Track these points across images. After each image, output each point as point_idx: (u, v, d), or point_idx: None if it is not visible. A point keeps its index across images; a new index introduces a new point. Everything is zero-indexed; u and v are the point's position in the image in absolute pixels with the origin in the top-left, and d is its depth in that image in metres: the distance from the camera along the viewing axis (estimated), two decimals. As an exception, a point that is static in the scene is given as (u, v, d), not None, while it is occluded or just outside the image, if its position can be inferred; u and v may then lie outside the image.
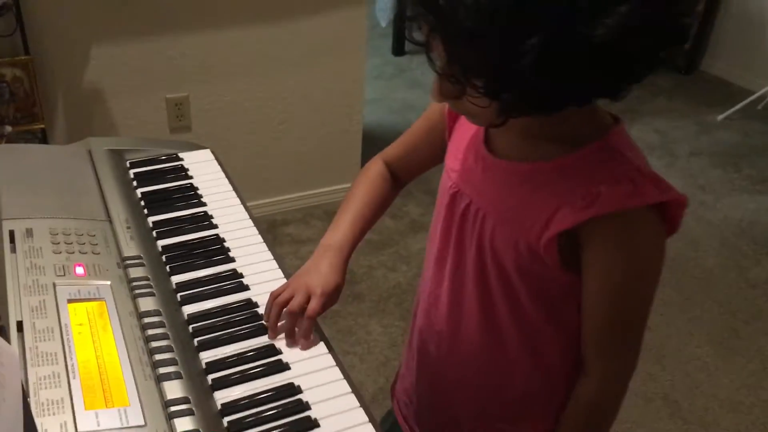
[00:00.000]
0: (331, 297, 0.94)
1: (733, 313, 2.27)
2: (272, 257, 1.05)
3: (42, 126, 2.07)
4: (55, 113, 2.15)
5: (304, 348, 0.89)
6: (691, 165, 3.10)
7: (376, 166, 1.05)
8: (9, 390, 0.62)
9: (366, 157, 2.77)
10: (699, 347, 2.13)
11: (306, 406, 0.81)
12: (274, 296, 0.92)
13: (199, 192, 1.18)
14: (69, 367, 0.77)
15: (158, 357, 0.83)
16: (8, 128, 2.01)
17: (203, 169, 1.25)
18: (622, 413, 1.98)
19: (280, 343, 0.90)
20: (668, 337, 2.16)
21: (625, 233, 0.75)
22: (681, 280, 2.40)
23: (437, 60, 0.69)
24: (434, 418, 1.02)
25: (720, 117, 3.49)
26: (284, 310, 0.90)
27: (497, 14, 0.61)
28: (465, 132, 0.89)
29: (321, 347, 0.90)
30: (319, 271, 0.95)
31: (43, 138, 2.08)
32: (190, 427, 0.75)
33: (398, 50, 3.99)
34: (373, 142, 3.02)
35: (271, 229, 2.51)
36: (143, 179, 1.19)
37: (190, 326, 0.91)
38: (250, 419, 0.79)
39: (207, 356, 0.87)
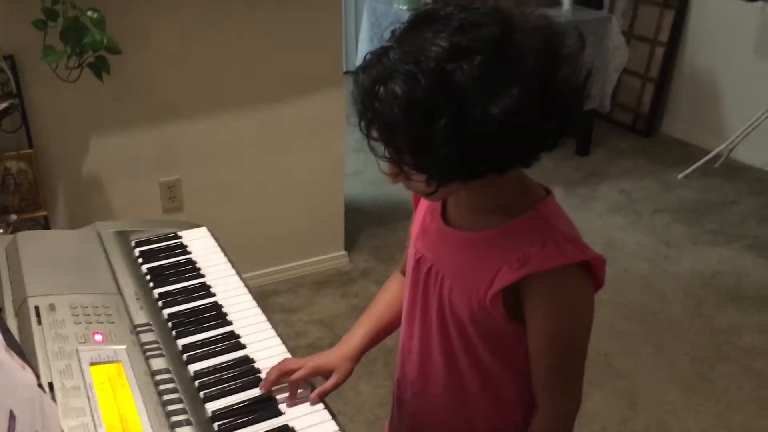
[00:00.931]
0: (322, 371, 1.07)
1: (700, 359, 2.41)
2: (265, 319, 1.19)
3: (45, 213, 2.22)
4: (57, 201, 2.31)
5: (291, 405, 1.02)
6: (655, 222, 3.29)
7: (393, 278, 1.20)
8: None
9: (349, 227, 2.95)
10: (669, 392, 2.26)
11: (299, 444, 0.94)
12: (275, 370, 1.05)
13: (197, 265, 1.33)
14: (95, 419, 0.90)
15: (170, 407, 0.96)
16: (13, 216, 2.16)
17: (200, 244, 1.40)
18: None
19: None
20: (640, 384, 2.29)
21: (554, 289, 0.90)
22: (650, 331, 2.55)
23: (377, 147, 0.86)
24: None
25: (680, 176, 3.71)
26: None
27: (413, 106, 0.78)
28: (423, 207, 1.06)
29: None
30: (326, 354, 1.10)
31: (46, 224, 2.23)
32: (201, 464, 0.88)
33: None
34: (355, 213, 3.20)
35: (262, 299, 2.61)
36: (147, 256, 1.34)
37: (196, 381, 1.04)
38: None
39: (212, 406, 1.00)
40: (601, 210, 3.37)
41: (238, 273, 1.32)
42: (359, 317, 1.18)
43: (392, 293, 1.16)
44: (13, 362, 0.78)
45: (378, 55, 0.83)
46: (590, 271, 0.91)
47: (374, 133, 0.85)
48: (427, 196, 0.92)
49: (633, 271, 2.91)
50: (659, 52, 4.13)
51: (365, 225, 3.21)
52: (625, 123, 4.34)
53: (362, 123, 0.85)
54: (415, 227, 1.06)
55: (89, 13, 1.98)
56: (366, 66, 0.84)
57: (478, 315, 0.94)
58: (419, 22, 0.83)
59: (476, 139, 0.79)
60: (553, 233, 0.90)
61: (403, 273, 1.15)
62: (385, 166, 0.89)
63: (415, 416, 1.10)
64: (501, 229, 0.92)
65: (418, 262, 1.03)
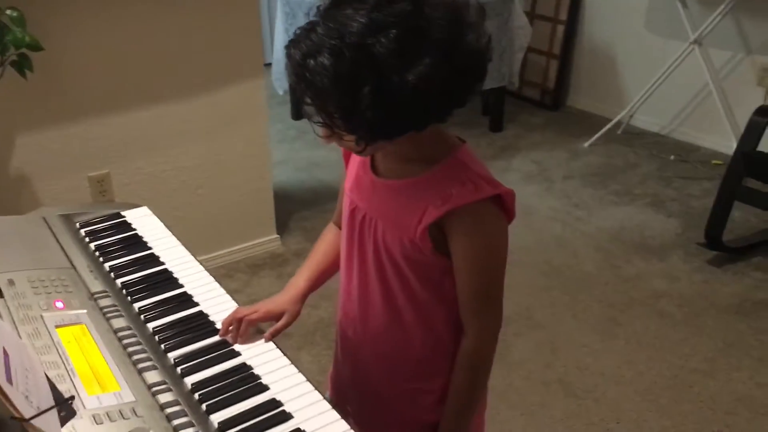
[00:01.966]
0: (273, 315, 1.21)
1: (611, 305, 2.64)
2: (213, 280, 1.30)
3: (-26, 213, 2.23)
4: (-14, 200, 2.32)
5: (240, 343, 1.15)
6: (566, 187, 3.53)
7: (327, 230, 1.32)
8: (39, 373, 0.85)
9: (279, 212, 3.05)
10: (585, 336, 2.47)
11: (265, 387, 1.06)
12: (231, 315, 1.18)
13: (143, 239, 1.42)
14: (69, 370, 0.99)
15: (136, 357, 1.06)
16: (-58, 218, 2.16)
17: (143, 222, 1.49)
18: (527, 398, 2.30)
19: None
20: (559, 332, 2.49)
21: (473, 221, 1.04)
22: (565, 284, 2.76)
23: (311, 112, 0.98)
24: (359, 390, 1.27)
25: (586, 144, 3.97)
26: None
27: (340, 77, 0.90)
28: (355, 163, 1.19)
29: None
30: (271, 300, 1.23)
31: (-23, 223, 2.24)
32: (171, 399, 0.98)
33: (297, 115, 4.32)
34: (285, 199, 3.31)
35: (198, 286, 2.71)
36: (94, 235, 1.42)
37: (156, 336, 1.14)
38: (218, 395, 1.02)
39: (174, 354, 1.10)
40: (516, 180, 3.58)
41: (178, 242, 1.41)
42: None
43: (328, 242, 1.29)
44: (-5, 316, 0.87)
45: (306, 31, 0.95)
46: (503, 205, 1.06)
47: (308, 100, 0.97)
48: (358, 153, 1.05)
49: (548, 233, 3.13)
50: (560, 30, 4.38)
51: (295, 209, 3.31)
52: (534, 99, 4.59)
53: (297, 91, 0.97)
54: (348, 181, 1.19)
55: (8, 12, 2.01)
56: (296, 41, 0.96)
57: (410, 252, 1.08)
58: (341, 0, 0.95)
59: (396, 102, 0.92)
60: (470, 174, 1.04)
61: (336, 224, 1.28)
62: (319, 129, 1.01)
63: (357, 350, 1.23)
64: (425, 176, 1.06)
65: (353, 212, 1.16)
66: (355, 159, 1.18)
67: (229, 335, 1.15)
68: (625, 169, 3.71)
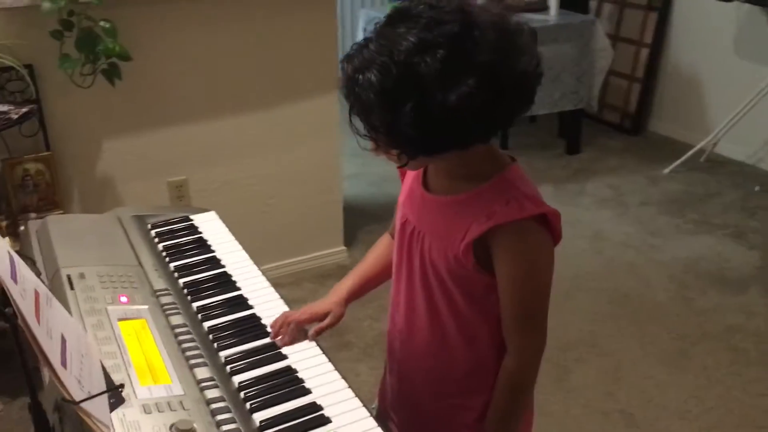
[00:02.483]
0: (317, 316, 1.25)
1: (682, 337, 2.55)
2: (269, 285, 1.34)
3: (61, 212, 2.37)
4: (72, 200, 2.46)
5: (285, 344, 1.19)
6: (642, 213, 3.44)
7: (382, 238, 1.36)
8: (94, 361, 0.90)
9: (348, 225, 3.10)
10: (652, 367, 2.40)
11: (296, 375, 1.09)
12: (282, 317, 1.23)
13: (207, 243, 1.48)
14: (125, 361, 1.05)
15: (189, 353, 1.11)
16: (32, 215, 2.31)
17: (209, 226, 1.55)
18: (585, 426, 2.26)
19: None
20: (623, 361, 2.43)
21: (516, 239, 1.04)
22: (633, 313, 2.69)
23: (360, 126, 1.01)
24: (403, 402, 1.28)
25: (666, 170, 3.86)
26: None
27: (384, 93, 0.93)
28: (410, 177, 1.21)
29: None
30: (317, 302, 1.28)
31: (63, 221, 2.38)
32: (217, 395, 1.02)
33: (373, 130, 4.37)
34: (355, 212, 3.36)
35: (265, 293, 2.79)
36: (163, 236, 1.49)
37: (210, 335, 1.19)
38: (262, 395, 1.06)
39: (225, 353, 1.15)
40: (589, 204, 3.52)
41: (241, 248, 1.47)
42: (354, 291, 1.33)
43: (379, 250, 1.31)
44: (61, 306, 0.93)
45: (360, 46, 0.98)
46: (548, 225, 1.06)
47: (355, 113, 1.00)
48: (401, 166, 1.08)
49: (619, 260, 3.05)
50: (644, 53, 4.29)
51: (364, 222, 3.36)
52: (614, 122, 4.50)
53: (348, 104, 1.01)
54: (402, 195, 1.21)
55: (102, 23, 2.14)
56: (350, 55, 0.99)
57: (454, 267, 1.09)
58: (395, 18, 0.98)
59: (437, 121, 0.94)
60: (515, 193, 1.05)
61: (391, 235, 1.30)
62: (363, 142, 1.05)
63: (403, 362, 1.24)
64: (472, 193, 1.07)
65: (403, 225, 1.18)
66: (411, 173, 1.21)
67: (278, 338, 1.19)
68: (705, 198, 3.58)
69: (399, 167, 1.14)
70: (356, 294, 1.29)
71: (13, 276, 0.72)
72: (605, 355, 2.46)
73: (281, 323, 1.20)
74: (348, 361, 2.46)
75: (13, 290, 0.68)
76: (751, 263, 3.00)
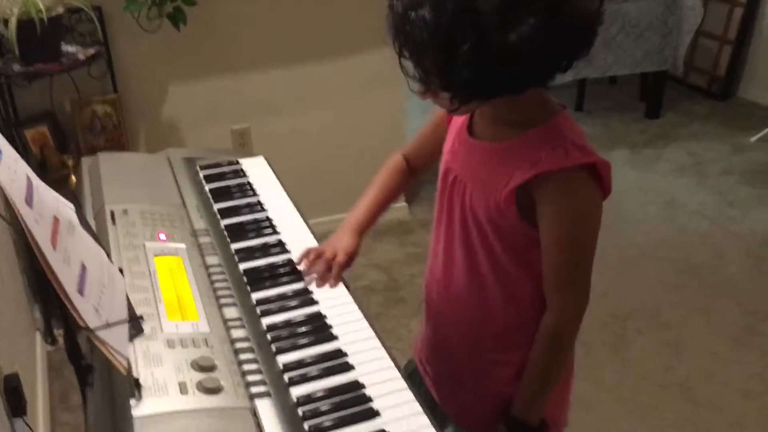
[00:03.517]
0: (350, 257, 1.22)
1: (752, 312, 2.41)
2: (309, 231, 1.33)
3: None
4: (138, 142, 2.52)
5: (332, 286, 1.16)
6: (721, 183, 3.26)
7: (395, 158, 1.33)
8: (117, 291, 0.91)
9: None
10: (716, 343, 2.29)
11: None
12: (310, 249, 1.20)
13: (253, 187, 1.48)
14: (156, 296, 1.06)
15: (221, 293, 1.11)
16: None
17: (257, 170, 1.55)
18: (640, 397, 2.18)
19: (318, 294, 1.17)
20: (687, 335, 2.32)
21: (562, 188, 0.99)
22: (702, 285, 2.56)
23: (409, 68, 0.96)
24: (438, 355, 1.25)
25: (753, 139, 3.63)
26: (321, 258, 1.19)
27: (439, 31, 0.88)
28: (455, 125, 1.16)
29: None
30: (342, 239, 1.25)
31: (129, 163, 2.44)
32: (243, 335, 1.02)
33: (444, 87, 4.29)
34: (417, 168, 3.31)
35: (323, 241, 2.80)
36: (210, 178, 1.49)
37: (245, 276, 1.19)
38: (289, 339, 1.05)
39: (257, 295, 1.14)
40: (666, 171, 3.35)
41: (288, 195, 1.45)
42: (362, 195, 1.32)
43: (389, 172, 1.31)
44: (88, 236, 0.94)
45: None
46: (597, 177, 0.99)
47: (406, 54, 0.95)
48: (452, 111, 1.03)
49: (692, 229, 2.91)
50: (738, 12, 4.01)
51: (427, 179, 3.28)
52: (700, 86, 4.25)
53: (395, 44, 0.96)
54: (447, 143, 1.17)
55: (168, -34, 2.15)
56: None
57: (495, 215, 1.04)
58: None
59: (495, 63, 0.88)
60: (562, 140, 0.99)
61: (404, 155, 1.29)
62: (414, 84, 1.00)
63: (439, 313, 1.21)
64: (518, 139, 1.02)
65: (445, 173, 1.14)
66: (457, 120, 1.16)
67: (316, 280, 1.17)
68: (792, 169, 3.36)
69: (449, 112, 1.09)
70: (370, 226, 1.29)
71: (29, 200, 0.72)
72: (668, 327, 2.36)
73: (315, 255, 1.18)
74: (401, 317, 2.45)
75: (26, 214, 0.68)
76: (838, 240, 2.80)
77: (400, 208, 3.04)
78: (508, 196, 1.01)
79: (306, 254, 1.21)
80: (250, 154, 1.63)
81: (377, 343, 1.05)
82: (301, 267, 1.20)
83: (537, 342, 1.09)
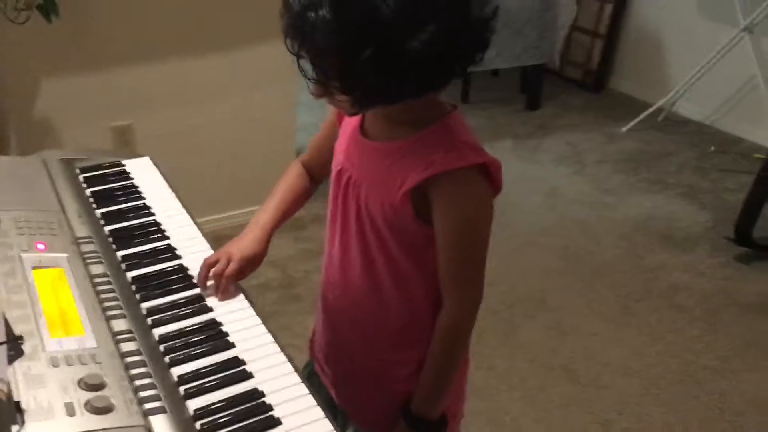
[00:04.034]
0: (250, 262, 1.19)
1: (627, 294, 2.57)
2: (200, 235, 1.29)
3: (-4, 154, 2.27)
4: (9, 143, 2.35)
5: (223, 300, 1.13)
6: (597, 171, 3.44)
7: (294, 166, 1.31)
8: (-6, 311, 0.85)
9: (300, 175, 3.03)
10: (596, 325, 2.42)
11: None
12: (204, 262, 1.16)
13: (139, 189, 1.42)
14: (35, 312, 0.99)
15: (107, 304, 1.06)
16: (-35, 157, 2.20)
17: (142, 172, 1.48)
18: (529, 381, 2.26)
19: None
20: (570, 318, 2.44)
21: (456, 188, 1.01)
22: (582, 270, 2.70)
23: (308, 68, 0.95)
24: (336, 356, 1.25)
25: (624, 129, 3.86)
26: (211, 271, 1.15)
27: (342, 34, 0.87)
28: (347, 125, 1.16)
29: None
30: (242, 241, 1.21)
31: (-2, 164, 2.28)
32: (134, 348, 0.98)
33: (332, 80, 4.28)
34: (307, 163, 3.29)
35: (217, 241, 2.72)
36: (92, 181, 1.42)
37: (133, 285, 1.14)
38: (183, 349, 1.02)
39: (148, 305, 1.10)
40: (547, 161, 3.50)
41: (177, 195, 1.41)
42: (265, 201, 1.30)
43: (291, 180, 1.29)
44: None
45: None
46: (489, 175, 1.02)
47: (304, 55, 0.93)
48: (350, 114, 1.02)
49: (572, 217, 3.05)
50: (608, 9, 4.24)
51: (318, 173, 3.29)
52: (575, 79, 4.46)
53: (293, 44, 0.93)
54: (338, 142, 1.16)
55: (35, -46, 2.01)
56: None
57: (391, 217, 1.05)
58: None
59: (398, 69, 0.88)
60: (455, 141, 1.01)
61: (303, 162, 1.29)
62: (312, 86, 0.98)
63: (336, 315, 1.21)
64: (411, 139, 1.03)
65: (339, 173, 1.13)
66: (348, 120, 1.15)
67: (210, 290, 1.14)
68: (660, 157, 3.59)
69: (348, 115, 1.09)
70: (276, 229, 1.25)
71: None
72: (552, 312, 2.47)
73: (206, 271, 1.14)
74: (297, 313, 2.43)
75: None
76: (701, 223, 3.03)
77: (291, 203, 3.01)
78: (404, 197, 1.02)
79: (199, 273, 1.17)
80: (134, 154, 1.56)
81: (276, 348, 1.04)
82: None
83: (434, 339, 1.11)
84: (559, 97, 4.27)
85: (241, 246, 1.19)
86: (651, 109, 3.85)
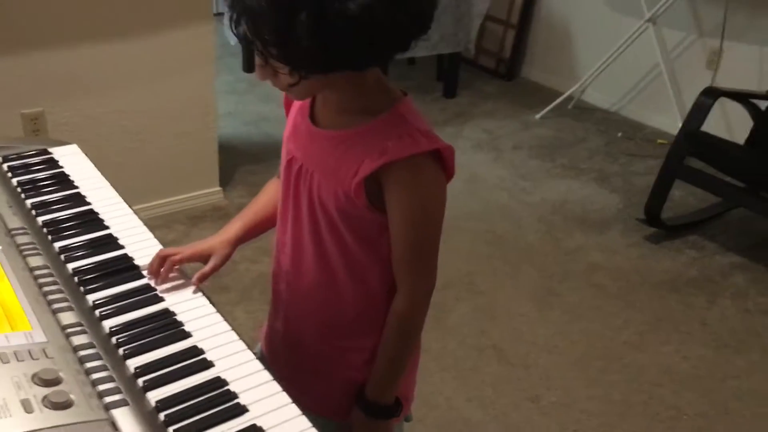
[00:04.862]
0: (202, 255, 1.17)
1: (549, 276, 2.67)
2: (141, 224, 1.25)
3: None
4: None
5: (156, 284, 1.10)
6: (514, 157, 3.54)
7: (271, 180, 1.28)
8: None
9: (224, 165, 2.98)
10: (522, 305, 2.50)
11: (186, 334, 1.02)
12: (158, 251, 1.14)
13: (70, 178, 1.35)
14: (-25, 307, 0.94)
15: (52, 297, 1.01)
16: None
17: (71, 160, 1.42)
18: (461, 362, 2.31)
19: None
20: (498, 300, 2.51)
21: (409, 175, 1.01)
22: (507, 253, 2.78)
23: (247, 39, 0.93)
24: (289, 346, 1.24)
25: (537, 116, 3.98)
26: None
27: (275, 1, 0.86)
28: (294, 111, 1.14)
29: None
30: (201, 242, 1.19)
31: None
32: (86, 341, 0.94)
33: (249, 67, 4.20)
34: (231, 152, 3.23)
35: (134, 235, 2.64)
36: (17, 170, 1.34)
37: (75, 277, 1.09)
38: (137, 340, 0.98)
39: (93, 297, 1.05)
40: (466, 148, 3.58)
41: (108, 186, 1.35)
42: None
43: (269, 194, 1.24)
44: None
45: None
46: (442, 161, 1.03)
47: (243, 24, 0.91)
48: (291, 88, 0.99)
49: (494, 202, 3.14)
50: (519, -1, 4.36)
51: (240, 163, 3.24)
52: (489, 67, 4.57)
53: (233, 13, 0.92)
54: (287, 130, 1.15)
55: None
56: None
57: (345, 206, 1.05)
58: None
59: (335, 32, 0.87)
60: (408, 128, 1.01)
61: (278, 176, 1.23)
62: (256, 69, 0.96)
63: (289, 304, 1.20)
64: (364, 127, 1.02)
65: (289, 162, 1.12)
66: (295, 107, 1.14)
67: (153, 277, 1.11)
68: (573, 143, 3.74)
69: (294, 101, 1.07)
70: (244, 237, 1.21)
71: None
72: (481, 294, 2.53)
73: (158, 262, 1.11)
74: (225, 304, 2.38)
75: None
76: (613, 205, 3.17)
77: (215, 192, 2.94)
78: (358, 186, 1.01)
79: (151, 261, 1.13)
80: (60, 142, 1.49)
81: (234, 336, 1.02)
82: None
83: (388, 326, 1.12)
84: (474, 86, 4.36)
85: (200, 243, 1.18)
86: (561, 98, 3.99)
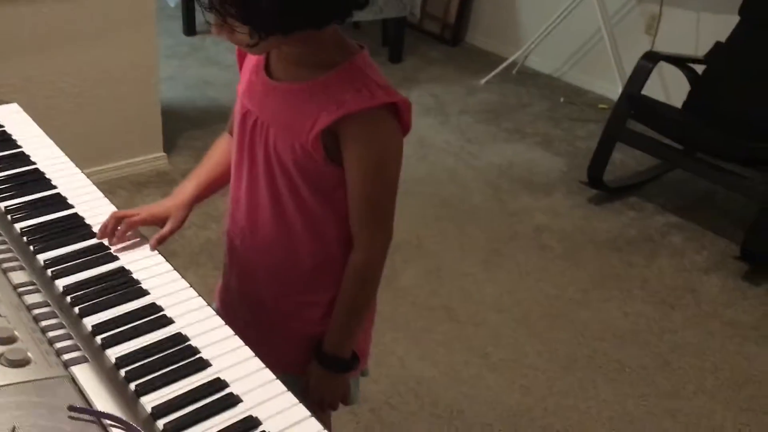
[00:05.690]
0: (157, 217, 1.16)
1: (496, 237, 2.72)
2: (90, 183, 1.22)
3: None
4: None
5: (111, 244, 1.09)
6: (461, 122, 3.57)
7: (220, 138, 1.26)
8: None
9: (167, 130, 2.92)
10: (470, 266, 2.54)
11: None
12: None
13: (12, 137, 1.30)
14: None
15: (0, 256, 0.98)
16: None
17: (12, 118, 1.37)
18: (412, 322, 2.33)
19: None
20: (446, 261, 2.55)
21: (367, 128, 1.01)
22: (454, 215, 2.82)
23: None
24: (244, 303, 1.23)
25: (482, 81, 4.01)
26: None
27: None
28: (249, 65, 1.13)
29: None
30: (156, 204, 1.18)
31: None
32: (40, 300, 0.92)
33: (189, 30, 4.10)
34: (174, 117, 3.16)
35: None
36: (-45, 130, 1.29)
37: (24, 237, 1.05)
38: (93, 299, 0.96)
39: (44, 256, 1.02)
40: (414, 112, 3.56)
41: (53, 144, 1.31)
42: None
43: (220, 151, 1.23)
44: None
45: None
46: (398, 115, 1.03)
47: None
48: (250, 48, 0.99)
49: (441, 165, 3.16)
50: (464, -36, 4.35)
51: (184, 128, 3.17)
52: (434, 32, 4.57)
53: None
54: (241, 85, 1.13)
55: None
56: None
57: (301, 159, 1.04)
58: None
59: None
60: (366, 81, 1.01)
61: (231, 133, 1.22)
62: (210, 17, 0.94)
63: (245, 261, 1.19)
64: (320, 80, 1.02)
65: (244, 116, 1.10)
66: (250, 61, 1.12)
67: (107, 238, 1.09)
68: (517, 108, 3.79)
69: (248, 54, 1.06)
70: (199, 197, 1.20)
71: None
72: (430, 256, 2.57)
73: (113, 223, 1.09)
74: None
75: None
76: (557, 168, 3.24)
77: (159, 158, 2.88)
78: (315, 139, 1.01)
79: (105, 220, 1.11)
80: (0, 100, 1.43)
81: (194, 293, 1.01)
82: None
83: (346, 279, 1.12)
84: (419, 51, 4.36)
85: (156, 206, 1.16)
86: (505, 63, 4.02)
